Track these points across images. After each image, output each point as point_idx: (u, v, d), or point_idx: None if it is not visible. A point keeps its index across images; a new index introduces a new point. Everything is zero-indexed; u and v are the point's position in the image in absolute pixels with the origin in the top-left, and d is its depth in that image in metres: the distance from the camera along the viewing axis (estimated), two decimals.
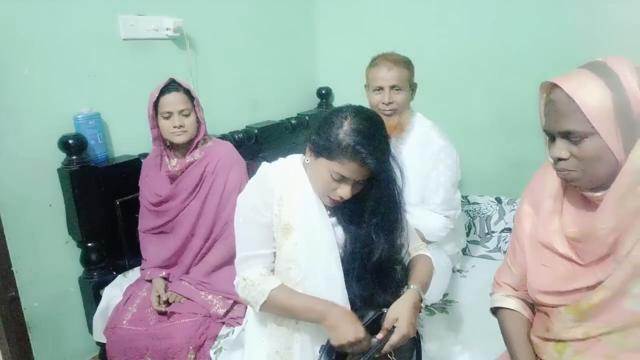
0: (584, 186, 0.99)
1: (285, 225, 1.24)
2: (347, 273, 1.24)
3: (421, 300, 1.24)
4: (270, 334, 1.29)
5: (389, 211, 1.24)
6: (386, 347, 1.16)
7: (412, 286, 1.24)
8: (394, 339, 1.15)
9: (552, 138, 1.01)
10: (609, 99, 0.91)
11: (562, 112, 0.95)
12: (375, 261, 1.23)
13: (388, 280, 1.27)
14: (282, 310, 1.24)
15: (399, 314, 1.18)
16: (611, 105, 0.91)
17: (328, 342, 1.17)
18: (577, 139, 0.94)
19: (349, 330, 1.14)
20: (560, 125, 0.96)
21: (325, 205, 1.26)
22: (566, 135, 0.96)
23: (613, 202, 0.94)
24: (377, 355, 1.15)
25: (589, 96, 0.92)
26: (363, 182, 1.19)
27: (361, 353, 1.14)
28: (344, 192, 1.18)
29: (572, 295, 1.03)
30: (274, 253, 1.28)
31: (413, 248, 1.39)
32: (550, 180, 1.10)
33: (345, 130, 1.14)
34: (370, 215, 1.23)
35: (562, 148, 0.98)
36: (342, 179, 1.17)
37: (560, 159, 0.98)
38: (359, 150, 1.12)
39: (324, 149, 1.16)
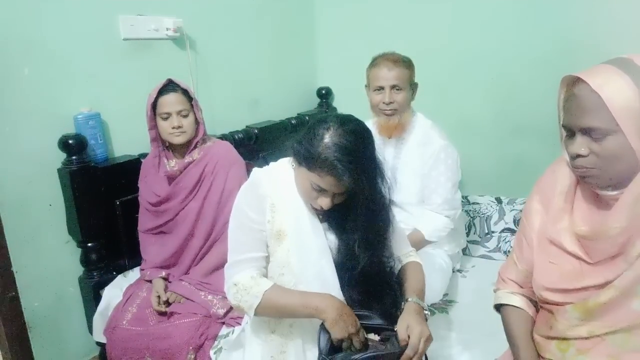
0: (600, 184, 0.98)
1: (278, 232, 1.24)
2: (342, 278, 1.24)
3: (424, 310, 1.23)
4: (264, 339, 1.29)
5: (372, 225, 1.22)
6: None
7: (410, 299, 1.23)
8: (409, 353, 1.12)
9: (571, 134, 0.99)
10: (636, 97, 0.89)
11: (585, 107, 0.93)
12: (360, 273, 1.23)
13: (380, 289, 1.27)
14: (277, 310, 1.22)
15: (410, 330, 1.15)
16: (638, 104, 0.89)
17: (322, 324, 1.16)
18: (599, 136, 0.92)
19: (347, 324, 1.13)
20: (582, 121, 0.94)
21: (317, 211, 1.25)
22: (588, 131, 0.94)
23: (629, 202, 0.93)
24: None
25: (616, 93, 0.90)
26: (344, 193, 1.18)
27: (360, 351, 1.14)
28: (324, 202, 1.17)
29: (578, 293, 1.03)
30: (266, 257, 1.27)
31: (403, 254, 1.39)
32: (562, 177, 1.09)
33: (325, 143, 1.11)
34: (352, 230, 1.22)
35: (582, 144, 0.95)
36: (321, 190, 1.16)
37: (579, 156, 0.96)
38: (337, 166, 1.09)
39: (304, 159, 1.15)
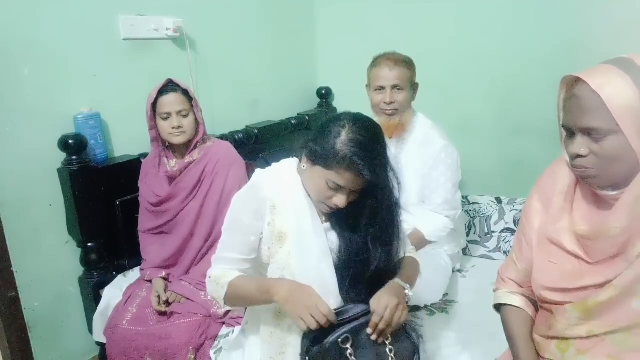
0: (600, 184, 0.98)
1: (279, 234, 1.24)
2: (342, 279, 1.24)
3: (404, 289, 1.22)
4: (263, 339, 1.29)
5: (387, 222, 1.23)
6: (370, 330, 1.14)
7: (394, 279, 1.24)
8: (373, 319, 1.14)
9: (571, 134, 0.99)
10: (637, 98, 0.89)
11: (586, 107, 0.93)
12: (372, 271, 1.23)
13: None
14: (242, 299, 1.25)
15: (377, 299, 1.17)
16: (638, 104, 0.89)
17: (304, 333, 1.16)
18: (599, 136, 0.92)
19: (301, 301, 1.12)
20: (582, 121, 0.94)
21: (329, 210, 1.25)
22: (588, 131, 0.94)
23: (629, 202, 0.93)
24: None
25: (617, 93, 0.90)
26: (359, 190, 1.19)
27: (335, 326, 1.13)
28: (340, 200, 1.18)
29: (578, 292, 1.03)
30: (249, 260, 1.27)
31: (404, 252, 1.39)
32: (562, 177, 1.09)
33: (342, 140, 1.13)
34: (367, 224, 1.22)
35: (581, 144, 0.95)
36: (338, 188, 1.16)
37: (578, 156, 0.96)
38: (356, 162, 1.11)
39: (321, 158, 1.16)
